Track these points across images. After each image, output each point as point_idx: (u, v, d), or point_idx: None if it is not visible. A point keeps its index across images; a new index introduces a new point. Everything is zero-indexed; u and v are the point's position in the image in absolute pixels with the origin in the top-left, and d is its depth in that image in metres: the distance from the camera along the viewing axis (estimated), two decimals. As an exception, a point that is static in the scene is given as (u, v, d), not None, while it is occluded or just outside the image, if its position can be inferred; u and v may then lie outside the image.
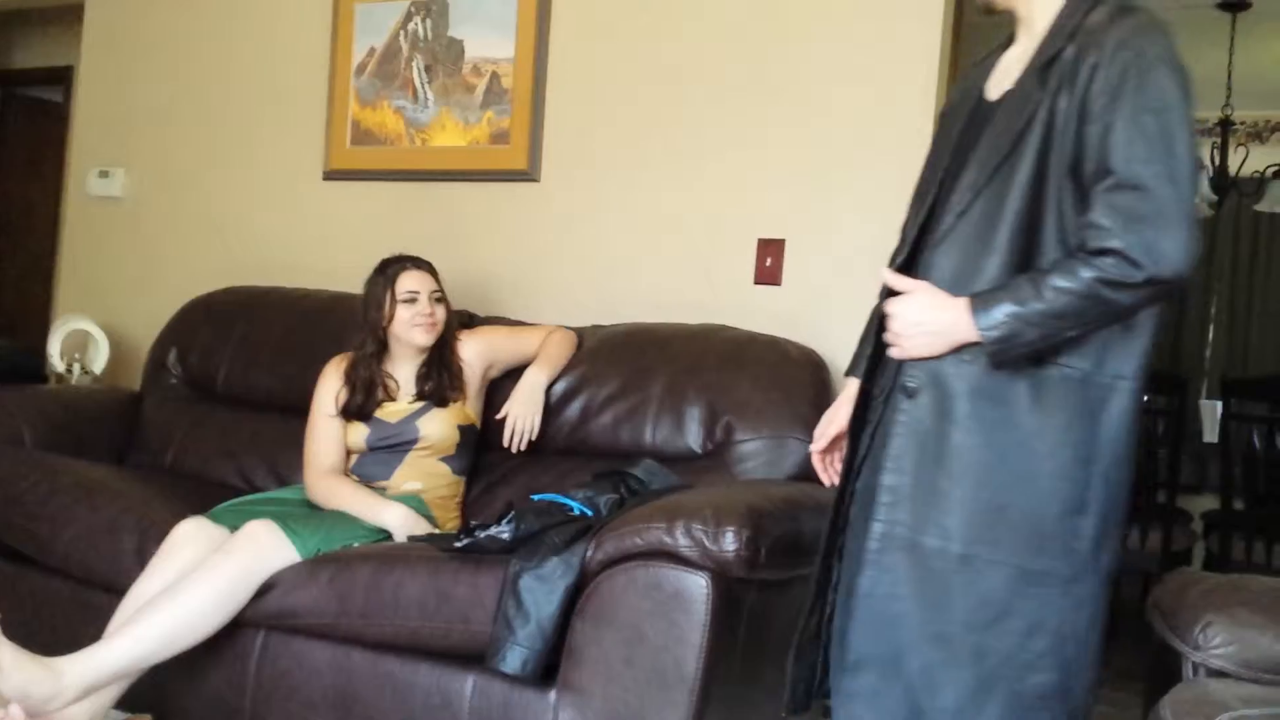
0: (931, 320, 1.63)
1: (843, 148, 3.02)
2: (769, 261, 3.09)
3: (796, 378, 2.74)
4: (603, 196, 3.32)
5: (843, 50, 3.03)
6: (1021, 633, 1.62)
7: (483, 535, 2.12)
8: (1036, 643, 1.62)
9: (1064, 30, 1.63)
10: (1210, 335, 6.55)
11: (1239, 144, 5.18)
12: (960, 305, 1.60)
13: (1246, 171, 5.08)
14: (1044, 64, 1.62)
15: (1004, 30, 1.84)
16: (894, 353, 1.70)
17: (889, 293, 1.73)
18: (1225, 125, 4.96)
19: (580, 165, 3.35)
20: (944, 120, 1.86)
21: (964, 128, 1.75)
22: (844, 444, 1.89)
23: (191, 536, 2.41)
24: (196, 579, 2.28)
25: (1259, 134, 6.08)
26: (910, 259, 1.76)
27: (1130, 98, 1.53)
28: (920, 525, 1.65)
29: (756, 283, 3.11)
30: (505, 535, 2.11)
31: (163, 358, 3.43)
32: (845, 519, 1.83)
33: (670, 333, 2.91)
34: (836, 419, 1.93)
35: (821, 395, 2.74)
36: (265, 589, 2.33)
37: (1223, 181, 5.02)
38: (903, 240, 1.82)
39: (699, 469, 2.65)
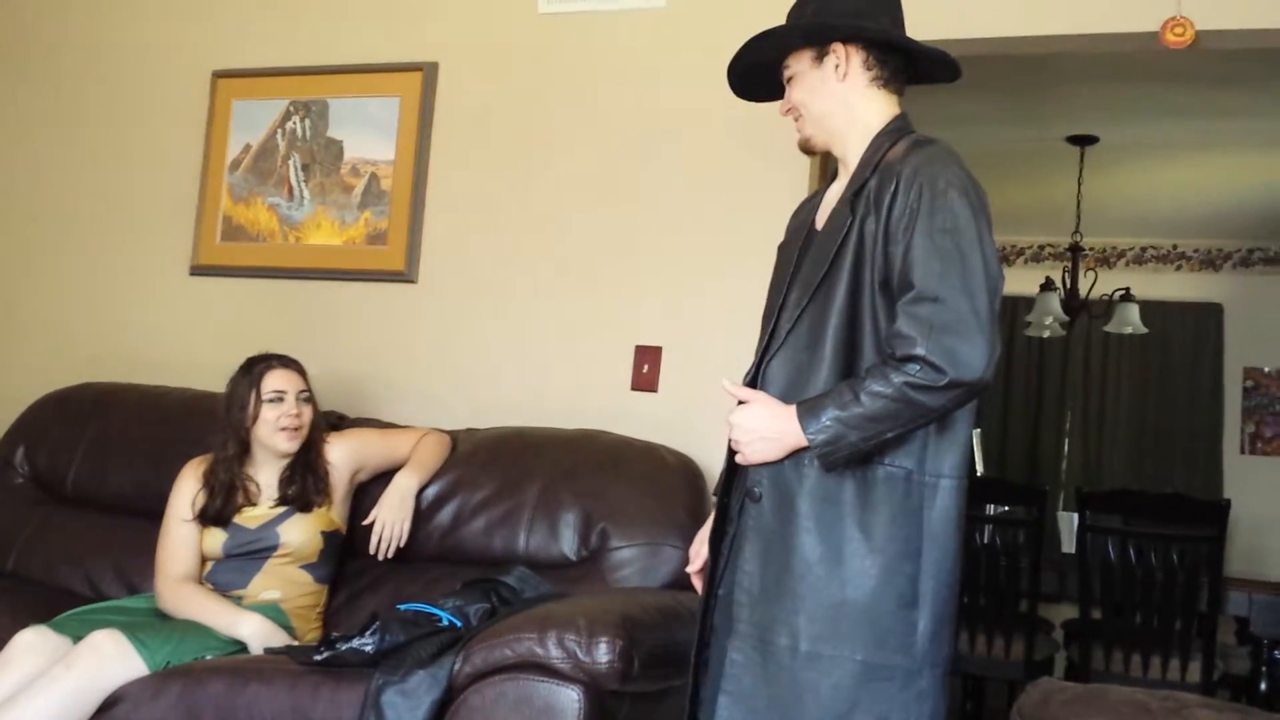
0: (765, 427, 1.74)
1: (719, 257, 3.08)
2: (646, 368, 3.11)
3: (672, 485, 2.73)
4: (480, 299, 3.31)
5: (719, 165, 3.12)
6: None
7: (344, 647, 2.04)
8: None
9: (870, 163, 1.81)
10: (1066, 449, 6.82)
11: (1088, 268, 5.46)
12: (791, 412, 1.72)
13: (1096, 294, 5.35)
14: (853, 194, 1.79)
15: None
16: (738, 459, 1.80)
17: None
18: (1075, 250, 5.23)
19: (458, 268, 3.34)
20: (782, 251, 2.00)
21: (798, 257, 1.90)
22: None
23: (32, 647, 2.27)
24: (34, 692, 2.15)
25: (1107, 259, 6.45)
26: (756, 375, 1.86)
27: (925, 220, 1.68)
28: (770, 625, 1.73)
29: (633, 389, 3.12)
30: (368, 647, 2.03)
31: (9, 455, 3.24)
32: (711, 628, 1.88)
33: (546, 438, 2.88)
34: (705, 537, 1.98)
35: (697, 502, 2.74)
36: (110, 704, 2.18)
37: (1073, 303, 5.28)
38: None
39: (573, 577, 2.61)
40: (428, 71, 3.42)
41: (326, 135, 3.53)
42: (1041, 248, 6.60)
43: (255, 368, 2.68)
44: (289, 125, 3.58)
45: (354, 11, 3.57)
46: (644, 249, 3.16)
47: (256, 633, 2.41)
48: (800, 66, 1.89)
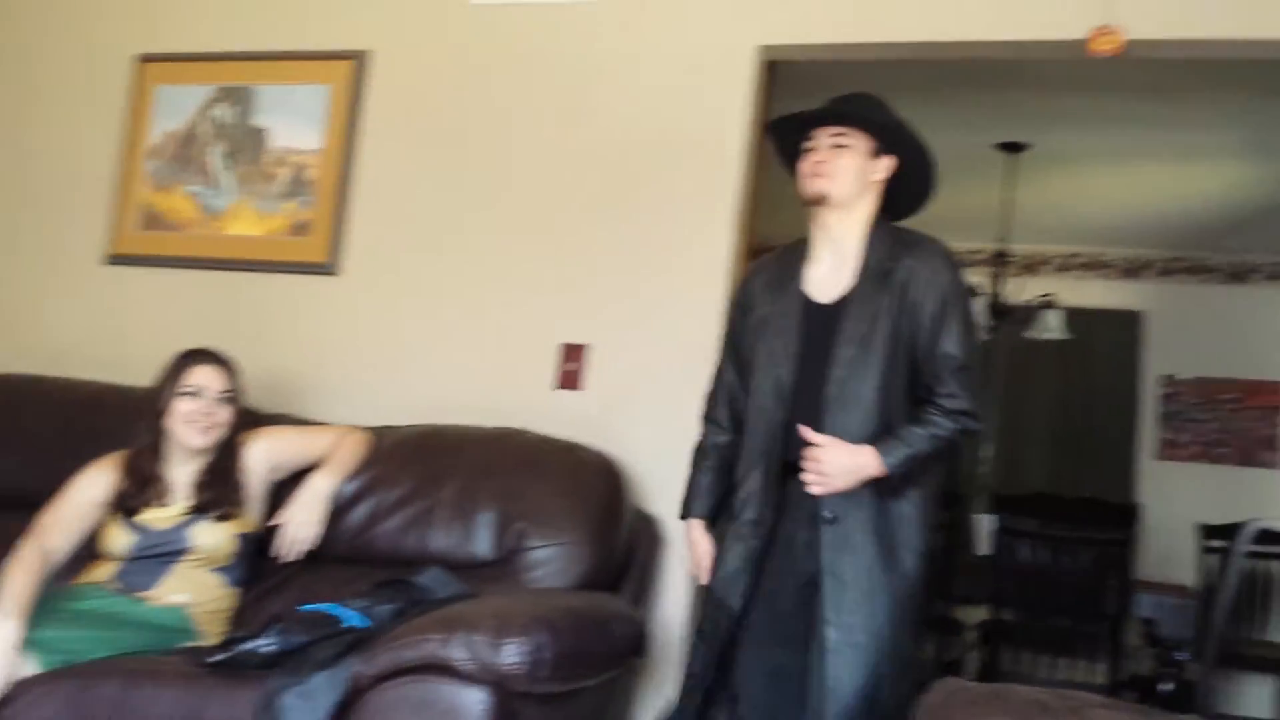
0: (850, 463, 2.19)
1: (646, 256, 3.09)
2: (571, 366, 3.11)
3: (591, 484, 2.74)
4: (405, 294, 3.28)
5: (648, 163, 3.13)
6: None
7: (242, 648, 2.00)
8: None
9: (883, 251, 2.29)
10: (985, 453, 6.91)
11: (1013, 275, 5.54)
12: (868, 451, 2.19)
13: (1021, 301, 5.43)
14: (880, 276, 2.26)
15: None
16: (817, 490, 2.20)
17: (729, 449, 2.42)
18: (1001, 257, 5.30)
19: (383, 262, 3.31)
20: (767, 318, 2.36)
21: (803, 324, 2.31)
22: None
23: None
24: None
25: (1032, 266, 6.54)
26: (789, 419, 2.27)
27: (955, 309, 2.25)
28: (859, 616, 2.19)
29: (557, 387, 3.12)
30: (267, 648, 2.00)
31: (-96, 449, 3.13)
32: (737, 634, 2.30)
33: (465, 436, 2.87)
34: (708, 551, 2.41)
35: (615, 501, 2.74)
36: None
37: (998, 309, 5.35)
38: (761, 401, 2.34)
39: (488, 577, 2.60)
40: (359, 60, 3.39)
41: (252, 123, 3.47)
42: (969, 253, 6.67)
43: (183, 360, 2.65)
44: (213, 112, 3.52)
45: (284, -4, 3.53)
46: (571, 246, 3.16)
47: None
48: (860, 145, 2.31)
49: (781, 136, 2.43)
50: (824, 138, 2.32)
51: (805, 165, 2.33)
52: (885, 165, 2.33)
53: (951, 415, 2.20)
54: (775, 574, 2.30)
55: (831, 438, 2.20)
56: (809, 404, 2.26)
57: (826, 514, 2.21)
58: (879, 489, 2.22)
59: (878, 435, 2.21)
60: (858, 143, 2.31)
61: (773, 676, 2.29)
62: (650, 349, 3.06)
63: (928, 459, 2.21)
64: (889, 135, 2.33)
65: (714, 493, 2.44)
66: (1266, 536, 5.14)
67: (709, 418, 2.48)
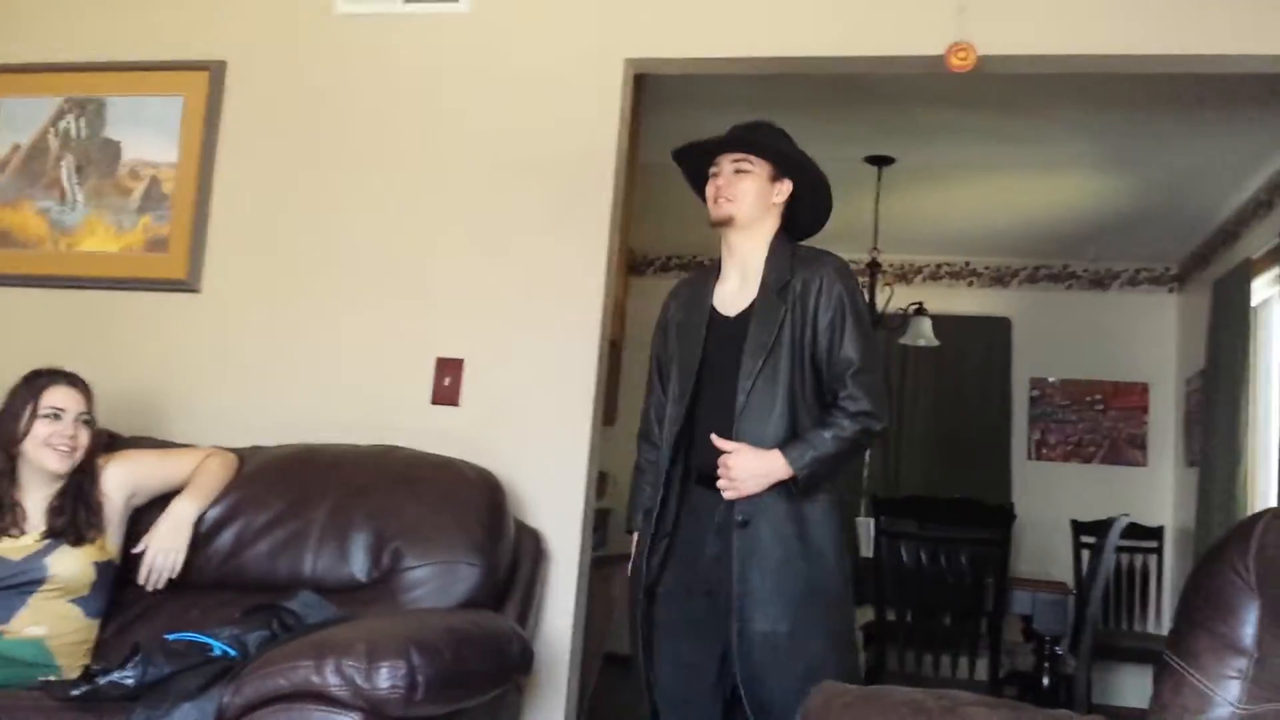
0: (758, 468, 2.29)
1: (521, 268, 3.05)
2: (447, 381, 3.04)
3: (470, 500, 2.67)
4: (270, 309, 3.17)
5: (521, 174, 3.09)
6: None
7: (103, 681, 1.89)
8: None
9: (782, 267, 2.42)
10: (866, 457, 7.03)
11: (886, 284, 5.66)
12: (775, 455, 2.30)
13: (893, 309, 5.54)
14: (778, 290, 2.40)
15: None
16: (729, 494, 2.31)
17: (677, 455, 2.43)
18: (874, 267, 5.41)
19: (247, 276, 3.19)
20: (678, 332, 2.51)
21: (708, 337, 2.44)
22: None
23: None
24: None
25: (904, 275, 6.70)
26: (695, 429, 2.40)
27: (851, 320, 2.37)
28: (761, 617, 2.28)
29: (434, 403, 3.04)
30: (129, 680, 1.89)
31: None
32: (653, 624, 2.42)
33: (338, 455, 2.78)
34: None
35: (496, 517, 2.68)
36: None
37: (872, 318, 5.45)
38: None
39: (364, 599, 2.51)
40: (215, 71, 3.28)
41: (103, 135, 3.33)
42: (845, 264, 6.76)
43: (37, 380, 2.50)
44: (62, 124, 3.36)
45: (136, 5, 3.38)
46: (444, 259, 3.10)
47: None
48: (758, 171, 2.45)
49: (688, 162, 2.55)
50: (727, 164, 2.46)
51: (711, 190, 2.47)
52: (784, 189, 2.48)
53: (853, 416, 2.32)
54: (681, 579, 2.41)
55: (740, 444, 2.30)
56: (720, 414, 2.37)
57: (739, 518, 2.31)
58: (789, 492, 2.31)
59: (788, 440, 2.31)
60: (759, 168, 2.45)
61: (683, 667, 2.39)
62: (528, 361, 3.01)
63: (834, 459, 2.31)
64: (787, 161, 2.48)
65: (650, 506, 2.51)
66: (1134, 531, 5.38)
67: (642, 435, 2.58)
